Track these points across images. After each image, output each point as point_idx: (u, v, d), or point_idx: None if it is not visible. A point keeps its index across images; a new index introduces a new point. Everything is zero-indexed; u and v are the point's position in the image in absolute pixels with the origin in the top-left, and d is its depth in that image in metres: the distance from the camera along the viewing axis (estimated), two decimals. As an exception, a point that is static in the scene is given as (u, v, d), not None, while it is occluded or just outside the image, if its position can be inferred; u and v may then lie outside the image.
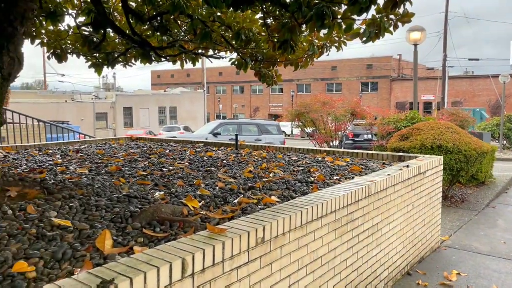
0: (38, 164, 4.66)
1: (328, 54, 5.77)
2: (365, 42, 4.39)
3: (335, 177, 3.93)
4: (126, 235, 2.11)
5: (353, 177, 3.92)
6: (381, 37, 4.28)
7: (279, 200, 2.98)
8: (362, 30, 4.32)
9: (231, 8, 4.94)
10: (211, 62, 6.44)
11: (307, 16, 3.97)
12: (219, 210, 2.54)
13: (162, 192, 2.98)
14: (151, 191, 3.14)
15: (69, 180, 3.25)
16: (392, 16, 4.19)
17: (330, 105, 10.58)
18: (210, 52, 6.51)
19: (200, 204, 2.75)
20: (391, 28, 4.28)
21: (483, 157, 7.45)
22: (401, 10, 4.19)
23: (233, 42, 5.51)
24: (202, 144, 6.93)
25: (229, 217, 2.46)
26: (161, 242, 2.05)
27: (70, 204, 2.49)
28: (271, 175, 4.04)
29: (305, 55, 5.73)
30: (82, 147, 6.42)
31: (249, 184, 3.45)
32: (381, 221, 3.56)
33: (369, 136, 17.79)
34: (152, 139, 7.68)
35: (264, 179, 3.76)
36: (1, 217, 2.21)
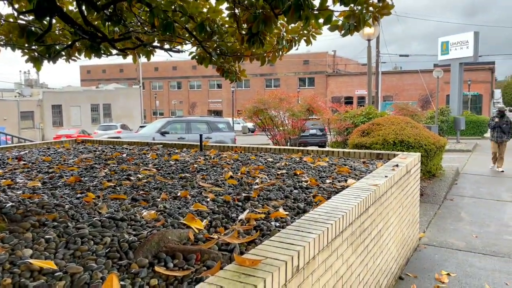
0: (-26, 176, 3.91)
1: (297, 48, 5.49)
2: (344, 35, 4.14)
3: (327, 181, 3.65)
4: (134, 276, 1.64)
5: (345, 180, 3.66)
6: (360, 29, 4.07)
7: (287, 213, 2.62)
8: (340, 23, 4.08)
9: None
10: (171, 56, 5.90)
11: (285, 6, 3.64)
12: (234, 232, 2.12)
13: (152, 211, 2.49)
14: (136, 209, 2.64)
15: (29, 200, 2.64)
16: (371, 8, 3.99)
17: (288, 101, 10.37)
18: (167, 46, 5.97)
19: (204, 223, 2.32)
20: (370, 21, 4.08)
21: (441, 151, 7.63)
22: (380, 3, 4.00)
23: (195, 34, 5.04)
24: (161, 145, 6.38)
25: (248, 241, 2.06)
26: (183, 284, 1.62)
27: (46, 236, 1.95)
28: (257, 180, 3.67)
29: (272, 49, 5.41)
30: (22, 153, 5.59)
31: (244, 194, 3.06)
32: (383, 227, 3.34)
33: (314, 131, 17.96)
34: (102, 141, 6.96)
35: (255, 187, 3.38)
36: (-45, 262, 1.63)
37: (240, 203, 2.84)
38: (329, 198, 2.92)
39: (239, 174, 3.99)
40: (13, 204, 2.40)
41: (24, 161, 4.89)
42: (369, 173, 3.86)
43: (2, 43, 5.20)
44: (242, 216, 2.48)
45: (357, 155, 5.07)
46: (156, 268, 1.69)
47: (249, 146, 5.86)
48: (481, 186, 8.65)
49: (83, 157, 5.12)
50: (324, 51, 51.45)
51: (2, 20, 4.86)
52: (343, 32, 4.08)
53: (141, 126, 22.01)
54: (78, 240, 1.94)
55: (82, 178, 3.76)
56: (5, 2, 4.78)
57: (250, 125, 34.89)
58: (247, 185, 3.49)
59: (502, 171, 10.34)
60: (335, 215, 2.39)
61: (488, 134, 22.32)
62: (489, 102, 41.20)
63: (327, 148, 5.66)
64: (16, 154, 5.49)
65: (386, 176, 3.48)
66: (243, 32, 4.57)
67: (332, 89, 50.82)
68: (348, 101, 45.66)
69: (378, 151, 5.01)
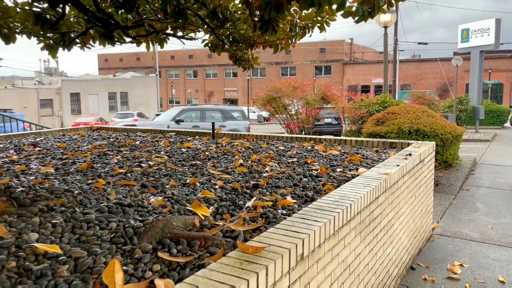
0: (-10, 162, 3.98)
1: (310, 35, 5.40)
2: (357, 21, 4.04)
3: (338, 170, 3.61)
4: (137, 262, 1.65)
5: (357, 169, 3.62)
6: (374, 15, 3.97)
7: (295, 201, 2.60)
8: (354, 9, 3.99)
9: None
10: (184, 44, 5.91)
11: (298, -8, 3.58)
12: (240, 219, 2.12)
13: (160, 198, 2.50)
14: (144, 195, 2.65)
15: (40, 186, 2.68)
16: (386, -6, 3.89)
17: (302, 90, 10.27)
18: (180, 33, 5.95)
19: (210, 210, 2.32)
20: (385, 7, 3.98)
21: (457, 140, 7.48)
22: (394, -12, 3.89)
23: (207, 21, 5.01)
24: (174, 133, 6.40)
25: (253, 228, 2.05)
26: (185, 270, 1.62)
27: (53, 221, 1.97)
28: (267, 168, 3.65)
29: (285, 36, 5.34)
30: (37, 139, 5.69)
31: (252, 182, 3.05)
32: (393, 217, 3.30)
33: (330, 120, 17.81)
34: (117, 128, 7.02)
35: (264, 175, 3.36)
36: (-37, 245, 1.67)
37: (248, 191, 2.84)
38: (338, 186, 2.89)
39: (249, 162, 3.98)
40: (23, 189, 2.44)
41: (39, 147, 4.97)
42: (381, 162, 3.80)
43: (18, 30, 5.25)
44: (249, 203, 2.47)
45: (370, 144, 5.00)
46: (160, 254, 1.70)
47: (261, 134, 5.83)
48: (499, 176, 8.46)
49: (96, 144, 5.18)
50: (341, 39, 50.78)
51: (18, 8, 4.91)
52: (356, 18, 3.97)
53: (157, 114, 22.20)
54: (84, 225, 1.96)
55: (95, 165, 3.80)
56: (20, -11, 4.81)
57: (265, 113, 34.82)
58: (257, 173, 3.48)
59: None
60: (343, 204, 2.36)
61: (509, 124, 21.77)
62: (510, 91, 40.16)
63: (339, 137, 5.60)
64: (32, 140, 5.58)
65: (398, 165, 3.42)
66: (256, 19, 4.50)
67: (349, 78, 50.24)
68: (365, 89, 45.09)
69: (392, 140, 4.93)
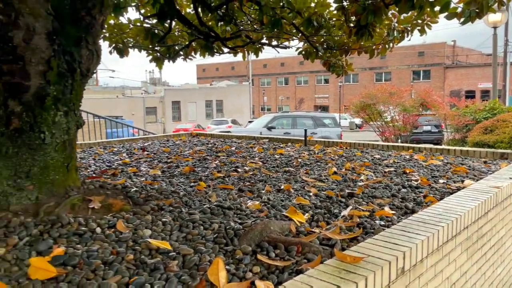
0: (107, 164, 4.45)
1: (409, 39, 5.17)
2: (463, 23, 3.78)
3: (441, 181, 3.40)
4: (238, 262, 1.73)
5: (462, 181, 3.37)
6: (482, 16, 3.67)
7: (393, 212, 2.51)
8: (459, 10, 3.73)
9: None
10: (278, 53, 6.05)
11: (397, -5, 3.45)
12: (336, 228, 2.11)
13: (257, 202, 2.59)
14: (241, 199, 2.77)
15: (150, 186, 2.94)
16: (497, -8, 3.58)
17: (398, 96, 9.83)
18: (274, 42, 6.08)
19: (305, 217, 2.34)
20: (495, 6, 3.66)
21: None
22: (507, -15, 3.57)
23: (302, 29, 5.05)
24: (267, 139, 6.55)
25: (350, 238, 2.03)
26: (284, 274, 1.66)
27: (163, 219, 2.16)
28: (362, 177, 3.57)
29: (382, 41, 5.17)
30: (146, 144, 6.22)
31: (347, 191, 3.00)
32: (505, 234, 3.01)
33: (429, 127, 16.75)
34: (213, 135, 7.39)
35: (359, 184, 3.29)
36: (90, 236, 1.90)
37: (343, 199, 2.80)
38: (441, 199, 2.72)
39: (343, 170, 3.93)
40: (137, 189, 2.70)
41: (147, 151, 5.43)
42: (491, 174, 3.50)
43: (130, 45, 5.82)
44: (345, 212, 2.44)
45: (477, 154, 4.62)
46: (259, 256, 1.76)
47: (355, 142, 5.71)
48: None
49: (197, 149, 5.51)
50: (442, 42, 47.59)
51: (131, 25, 5.44)
52: (462, 20, 3.74)
53: (249, 121, 22.87)
54: (190, 224, 2.11)
55: (196, 169, 4.05)
56: (133, 8, 5.34)
57: (357, 120, 33.90)
58: (351, 181, 3.42)
59: None
60: (448, 218, 2.22)
61: None
62: None
63: (442, 146, 5.26)
64: (141, 145, 6.12)
65: (510, 178, 3.12)
66: (351, 25, 4.44)
67: (451, 82, 46.80)
68: (470, 95, 41.61)
69: (503, 150, 4.50)
